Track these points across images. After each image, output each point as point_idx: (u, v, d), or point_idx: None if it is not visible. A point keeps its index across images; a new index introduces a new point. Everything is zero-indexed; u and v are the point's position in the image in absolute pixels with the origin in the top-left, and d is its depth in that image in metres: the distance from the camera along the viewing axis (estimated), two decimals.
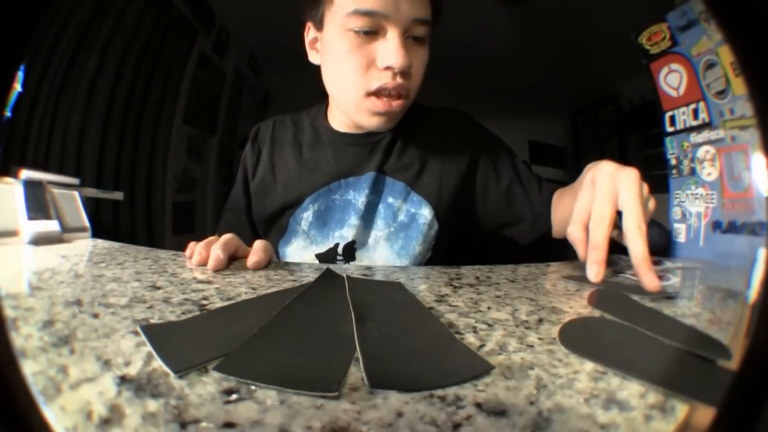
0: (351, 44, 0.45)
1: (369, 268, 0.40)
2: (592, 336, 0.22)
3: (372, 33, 0.45)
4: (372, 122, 0.49)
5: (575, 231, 0.36)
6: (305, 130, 0.61)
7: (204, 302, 0.24)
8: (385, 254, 0.55)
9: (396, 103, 0.47)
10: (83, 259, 0.38)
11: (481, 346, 0.19)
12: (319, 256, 0.55)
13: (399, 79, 0.45)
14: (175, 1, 1.57)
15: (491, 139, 0.61)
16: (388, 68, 0.45)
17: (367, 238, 0.55)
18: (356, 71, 0.46)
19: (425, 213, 0.55)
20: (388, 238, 0.55)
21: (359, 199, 0.55)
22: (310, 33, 0.53)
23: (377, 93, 0.46)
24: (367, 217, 0.55)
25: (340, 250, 0.54)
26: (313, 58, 0.54)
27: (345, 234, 0.55)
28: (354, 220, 0.55)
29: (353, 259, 0.54)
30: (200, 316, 0.22)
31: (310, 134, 0.60)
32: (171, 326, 0.20)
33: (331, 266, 0.37)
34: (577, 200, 0.37)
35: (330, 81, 0.51)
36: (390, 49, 0.44)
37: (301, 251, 0.56)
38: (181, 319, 0.21)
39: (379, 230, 0.55)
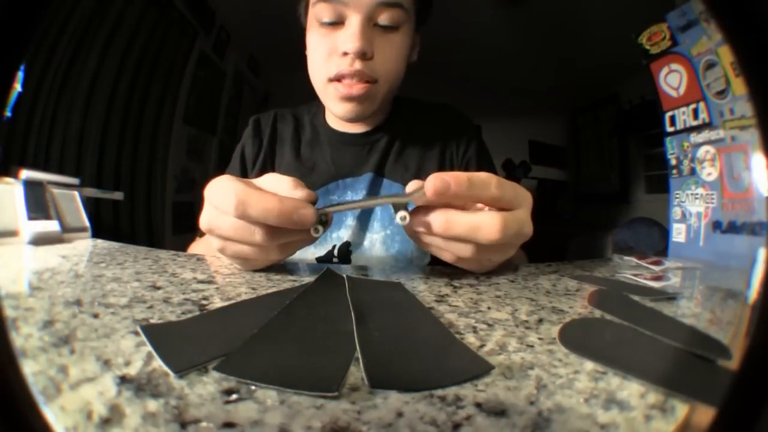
0: (318, 34, 0.47)
1: (369, 268, 0.40)
2: (592, 336, 0.21)
3: (337, 23, 0.45)
4: (340, 109, 0.49)
5: None
6: (305, 127, 0.60)
7: (204, 302, 0.24)
8: (380, 258, 0.54)
9: (358, 87, 0.46)
10: (83, 259, 0.38)
11: (481, 346, 0.19)
12: (318, 259, 0.54)
13: (357, 65, 0.45)
14: (175, 1, 1.57)
15: (481, 153, 0.59)
16: (345, 54, 0.45)
17: (362, 240, 0.54)
18: (320, 59, 0.47)
19: None
20: (384, 240, 0.54)
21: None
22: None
23: (338, 78, 0.46)
24: (363, 219, 0.54)
25: (335, 251, 0.54)
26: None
27: (341, 235, 0.54)
28: (350, 221, 0.54)
29: (348, 261, 0.54)
30: (200, 316, 0.22)
31: (309, 131, 0.59)
32: (171, 326, 0.20)
33: (331, 266, 0.37)
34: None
35: (309, 73, 0.52)
36: (348, 34, 0.44)
37: (301, 253, 0.56)
38: (181, 319, 0.21)
39: (374, 232, 0.54)
